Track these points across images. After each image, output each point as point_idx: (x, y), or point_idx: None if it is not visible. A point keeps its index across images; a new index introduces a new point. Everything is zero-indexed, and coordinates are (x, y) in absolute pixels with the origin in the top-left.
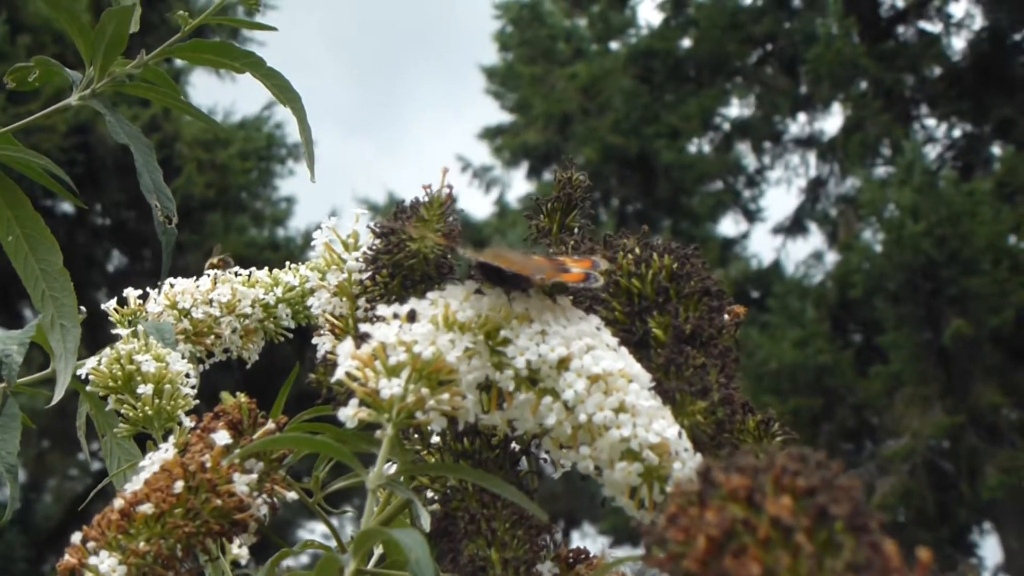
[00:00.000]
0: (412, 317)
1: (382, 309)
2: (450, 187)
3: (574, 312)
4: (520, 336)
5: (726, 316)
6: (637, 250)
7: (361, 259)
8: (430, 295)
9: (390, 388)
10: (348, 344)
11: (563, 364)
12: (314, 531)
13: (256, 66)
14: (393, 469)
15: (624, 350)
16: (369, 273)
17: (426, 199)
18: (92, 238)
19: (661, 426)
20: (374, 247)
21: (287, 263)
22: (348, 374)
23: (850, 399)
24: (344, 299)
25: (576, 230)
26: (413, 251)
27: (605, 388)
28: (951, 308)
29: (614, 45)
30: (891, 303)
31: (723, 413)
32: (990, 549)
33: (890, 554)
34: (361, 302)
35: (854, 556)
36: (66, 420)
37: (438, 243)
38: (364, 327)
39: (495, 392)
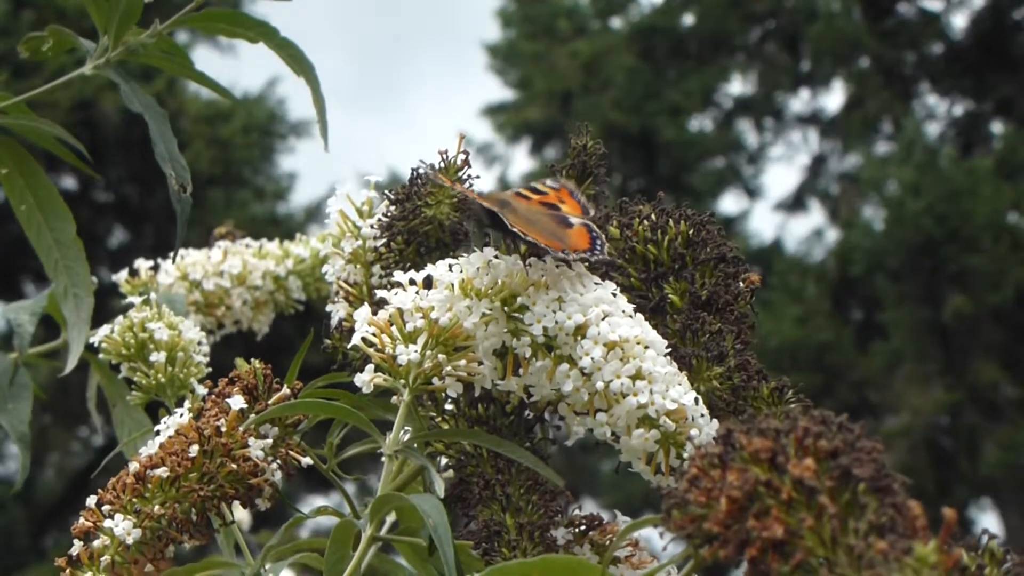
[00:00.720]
0: (428, 283)
1: (399, 275)
2: (466, 153)
3: (590, 278)
4: (537, 303)
5: (741, 283)
6: (653, 216)
7: (376, 226)
8: (447, 261)
9: (407, 354)
10: (365, 310)
11: (580, 331)
12: (312, 505)
13: (269, 36)
14: (407, 436)
15: (640, 316)
16: (384, 240)
17: (441, 165)
18: (95, 214)
19: (678, 392)
20: (389, 213)
21: (298, 235)
22: (365, 340)
23: (850, 376)
24: (358, 266)
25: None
26: (429, 217)
27: (622, 355)
28: (951, 285)
29: (615, 22)
30: (891, 280)
31: (739, 379)
32: (989, 525)
33: (915, 514)
34: (376, 269)
35: (877, 517)
36: (69, 395)
37: (453, 209)
38: (381, 293)
39: (511, 358)
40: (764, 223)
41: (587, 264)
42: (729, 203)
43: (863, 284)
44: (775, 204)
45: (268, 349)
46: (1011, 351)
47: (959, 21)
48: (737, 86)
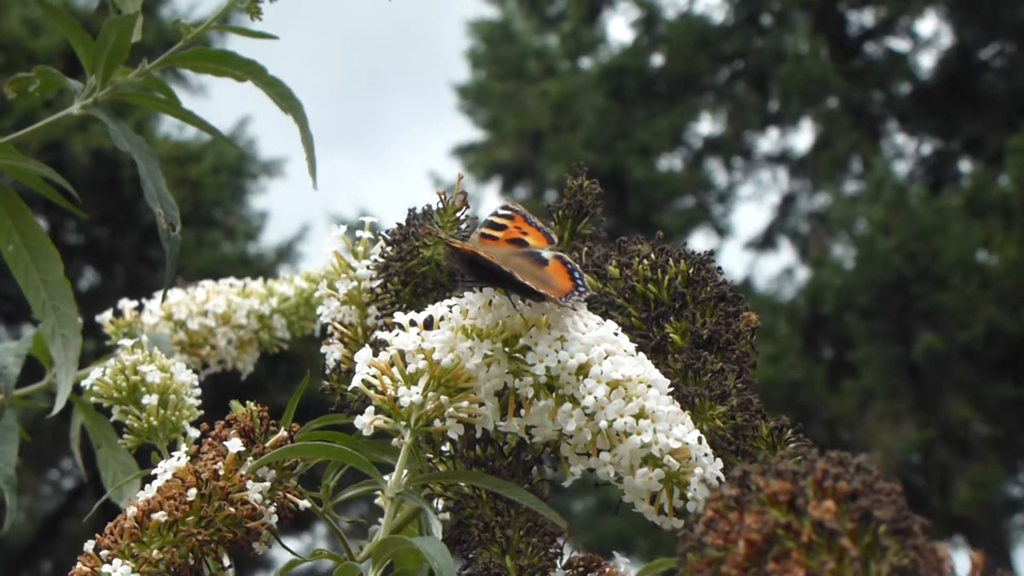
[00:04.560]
0: (429, 324)
1: (400, 316)
2: (464, 194)
3: (591, 318)
4: (539, 343)
5: (741, 322)
6: (653, 255)
7: (372, 267)
8: (447, 302)
9: (409, 395)
10: (366, 352)
11: (583, 370)
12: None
13: (257, 74)
14: (406, 478)
15: (642, 355)
16: (380, 281)
17: (439, 206)
18: (65, 256)
19: (681, 431)
20: (386, 254)
21: (282, 274)
22: (365, 381)
23: (822, 414)
24: (353, 307)
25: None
26: (426, 258)
27: (625, 394)
28: (922, 323)
29: (585, 63)
30: (862, 319)
31: (741, 418)
32: (961, 564)
33: (942, 556)
34: (371, 310)
35: (900, 559)
36: (40, 438)
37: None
38: (381, 334)
39: (512, 399)
40: (734, 262)
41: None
42: (699, 242)
43: (834, 322)
44: (745, 243)
45: (242, 389)
46: (982, 389)
47: (926, 61)
48: (706, 126)
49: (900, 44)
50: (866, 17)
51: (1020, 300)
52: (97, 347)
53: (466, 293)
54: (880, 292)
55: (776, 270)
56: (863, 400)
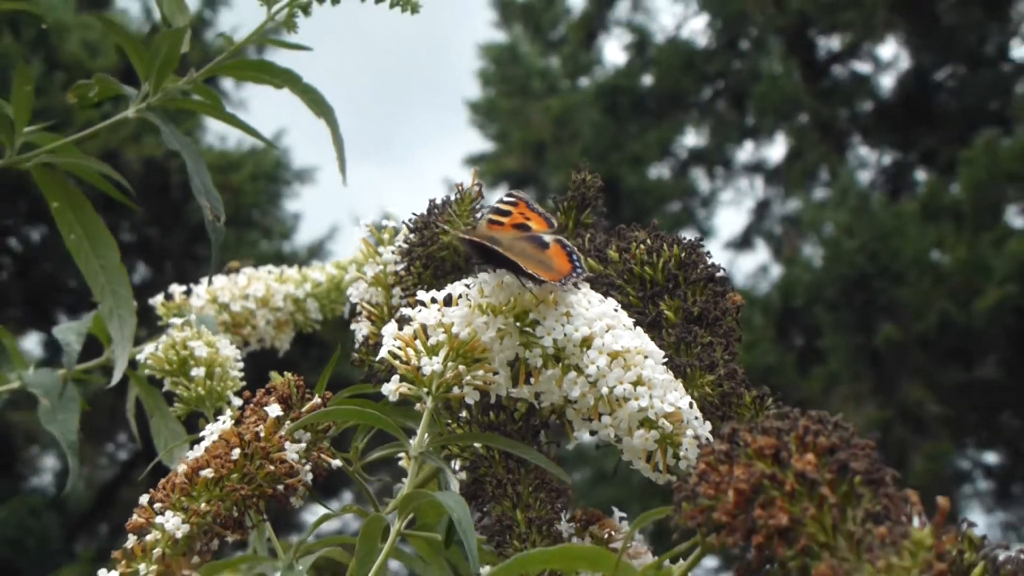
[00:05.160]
0: (448, 302)
1: (422, 295)
2: (479, 185)
3: (594, 296)
4: (547, 318)
5: (728, 301)
6: (648, 241)
7: (396, 252)
8: (463, 281)
9: (431, 365)
10: (392, 326)
11: (586, 342)
12: (317, 513)
13: (293, 82)
14: (428, 440)
15: (640, 330)
16: (404, 264)
17: (457, 196)
18: (120, 252)
19: (675, 397)
20: (409, 240)
21: (315, 262)
22: (391, 352)
23: (793, 396)
24: (380, 289)
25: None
26: (445, 244)
27: (624, 364)
28: (882, 315)
29: (583, 82)
30: (829, 311)
31: (728, 386)
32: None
33: (913, 501)
34: (396, 291)
35: (873, 506)
36: (98, 414)
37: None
38: (405, 311)
39: (523, 368)
40: (715, 260)
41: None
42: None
43: (803, 314)
44: (725, 243)
45: (278, 366)
46: (935, 374)
47: (887, 82)
48: (691, 139)
49: (863, 67)
50: (833, 42)
51: (969, 295)
52: (148, 333)
53: (480, 274)
54: (845, 287)
55: (753, 267)
56: (829, 383)
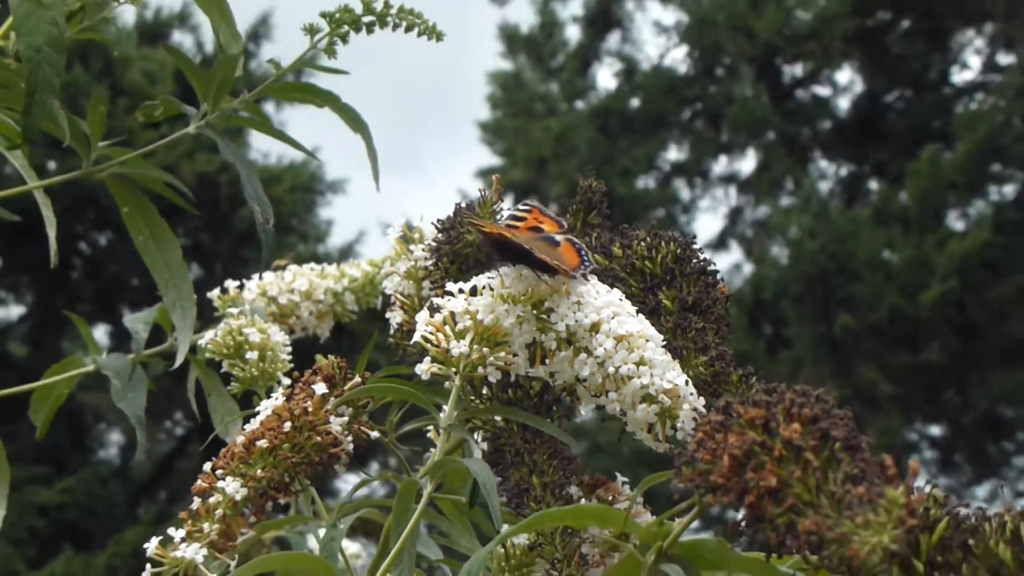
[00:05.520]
0: (473, 292)
1: (451, 286)
2: (499, 190)
3: (601, 287)
4: (560, 306)
5: (718, 291)
6: (648, 239)
7: (425, 249)
8: (488, 274)
9: (458, 347)
10: (424, 313)
11: (595, 328)
12: (349, 481)
13: (333, 101)
14: (455, 414)
15: (641, 316)
16: (432, 260)
17: (480, 201)
18: None
19: (672, 376)
20: (437, 239)
21: (351, 260)
22: (424, 337)
23: (764, 379)
24: (411, 282)
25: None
26: (469, 242)
27: (628, 346)
28: (840, 307)
29: (579, 105)
30: (794, 304)
31: (719, 366)
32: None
33: (887, 464)
34: (425, 284)
35: (851, 469)
36: (156, 396)
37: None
38: (436, 300)
39: (539, 350)
40: (706, 255)
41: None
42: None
43: (772, 307)
44: (704, 244)
45: (319, 351)
46: (886, 358)
47: (843, 103)
48: (673, 153)
49: (823, 90)
50: (796, 69)
51: (916, 289)
52: (202, 325)
53: (502, 268)
54: (807, 283)
55: (727, 266)
56: (794, 367)
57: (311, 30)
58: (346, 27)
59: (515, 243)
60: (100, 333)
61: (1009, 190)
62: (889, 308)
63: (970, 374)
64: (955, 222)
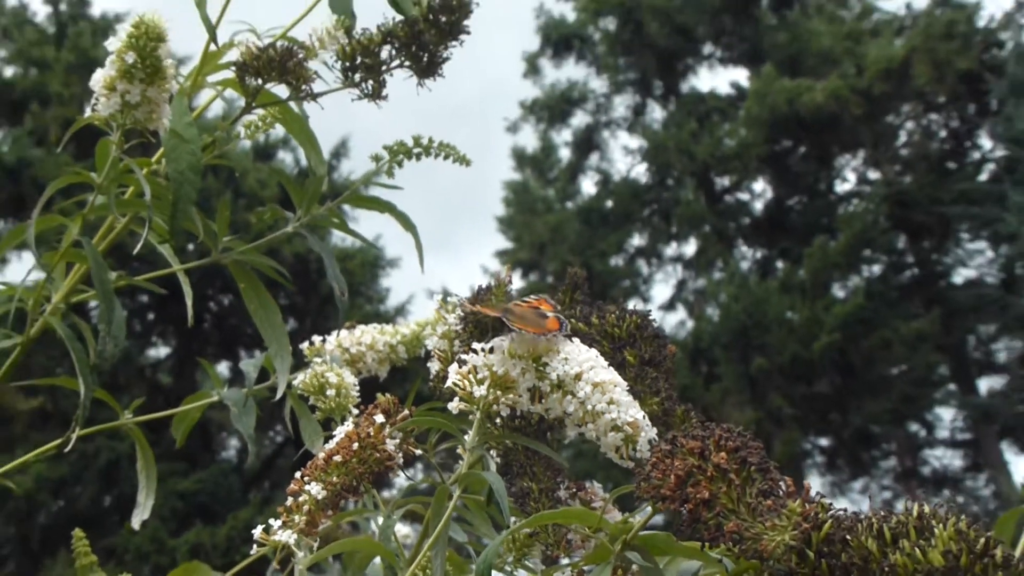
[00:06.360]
0: (491, 351)
1: (476, 346)
2: (510, 276)
3: (582, 347)
4: (552, 360)
5: (667, 350)
6: (617, 312)
7: (456, 318)
8: (500, 337)
9: (479, 391)
10: (455, 366)
11: (578, 376)
12: (399, 483)
13: (391, 209)
14: (477, 439)
15: (611, 369)
16: (461, 326)
17: (495, 283)
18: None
19: (634, 412)
20: (464, 311)
21: (402, 321)
22: (454, 383)
23: (699, 403)
24: (446, 341)
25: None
26: (488, 314)
27: (602, 390)
28: (755, 352)
29: (569, 204)
30: (723, 349)
31: (667, 405)
32: None
33: (788, 483)
34: (456, 343)
35: (762, 485)
36: (263, 415)
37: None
38: (463, 356)
39: (537, 392)
40: (658, 323)
41: (566, 335)
42: (633, 306)
43: (707, 351)
44: (658, 306)
45: (379, 387)
46: (789, 389)
47: (758, 205)
48: (636, 240)
49: (744, 196)
50: (725, 180)
51: (810, 340)
52: (295, 366)
53: (512, 333)
54: (733, 335)
55: (675, 322)
56: (723, 395)
57: (376, 158)
58: (401, 156)
59: (508, 321)
60: (223, 367)
61: (876, 268)
62: (791, 353)
63: (848, 401)
64: (838, 291)
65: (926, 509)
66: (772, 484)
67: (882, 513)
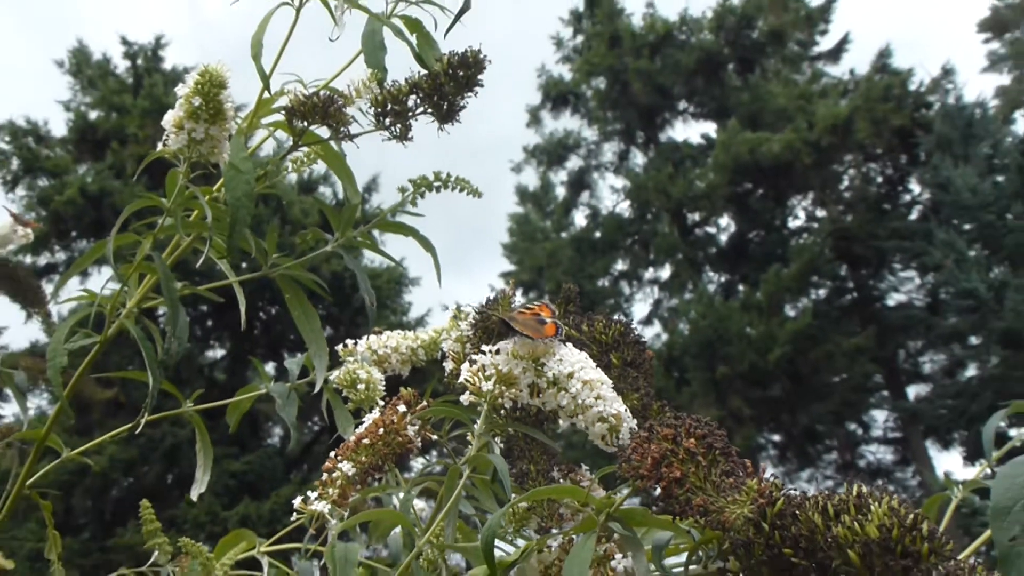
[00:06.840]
0: (496, 352)
1: (484, 348)
2: (514, 290)
3: (574, 350)
4: (548, 361)
5: (646, 354)
6: (604, 321)
7: (467, 325)
8: (505, 341)
9: (487, 386)
10: (466, 365)
11: (570, 375)
12: (417, 464)
13: (414, 233)
14: (484, 427)
15: (599, 369)
16: (472, 331)
17: (501, 296)
18: (320, 321)
19: (617, 406)
20: (474, 319)
21: (420, 329)
22: (466, 379)
23: (672, 403)
24: (459, 344)
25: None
26: (494, 321)
27: (590, 387)
28: (719, 362)
29: (563, 234)
30: (692, 359)
31: (646, 400)
32: None
33: (748, 465)
34: (467, 346)
35: (725, 467)
36: (304, 407)
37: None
38: (473, 356)
39: (535, 388)
40: (639, 331)
41: (562, 341)
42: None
43: (679, 360)
44: (638, 321)
45: (402, 382)
46: (747, 393)
47: (723, 237)
48: (620, 265)
49: (711, 230)
50: (696, 216)
51: (766, 352)
52: (331, 366)
53: (514, 337)
54: (700, 347)
55: (652, 335)
56: (691, 398)
57: (402, 189)
58: (423, 188)
59: (512, 325)
60: (270, 367)
61: (822, 292)
62: (749, 363)
63: (797, 404)
64: (789, 311)
65: (864, 490)
66: (734, 466)
67: (826, 493)
